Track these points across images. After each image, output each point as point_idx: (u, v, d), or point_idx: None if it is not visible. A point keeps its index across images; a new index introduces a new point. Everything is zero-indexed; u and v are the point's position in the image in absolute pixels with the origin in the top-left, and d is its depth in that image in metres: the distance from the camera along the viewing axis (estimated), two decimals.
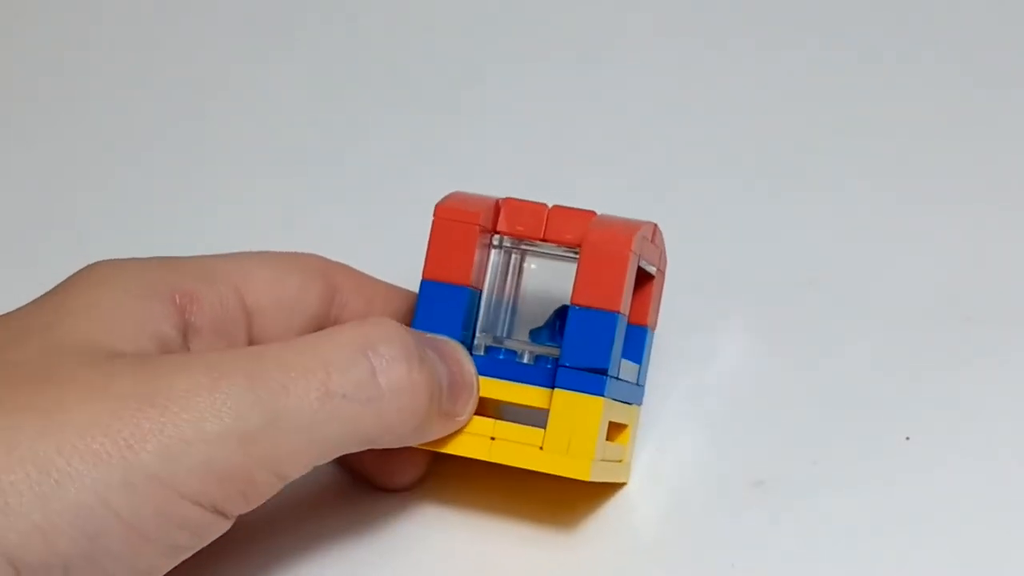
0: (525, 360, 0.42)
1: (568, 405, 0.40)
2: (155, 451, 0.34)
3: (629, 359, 0.42)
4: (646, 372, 0.44)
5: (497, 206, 0.42)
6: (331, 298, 0.42)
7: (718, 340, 0.47)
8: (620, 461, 0.43)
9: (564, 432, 0.39)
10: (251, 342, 0.41)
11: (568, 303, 0.40)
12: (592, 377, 0.39)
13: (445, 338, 0.40)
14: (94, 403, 0.35)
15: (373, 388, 0.37)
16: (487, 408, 0.41)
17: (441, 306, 0.41)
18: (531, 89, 0.57)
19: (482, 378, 0.41)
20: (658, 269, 0.43)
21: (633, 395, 0.43)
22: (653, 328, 0.44)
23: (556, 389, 0.40)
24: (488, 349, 0.42)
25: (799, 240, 0.50)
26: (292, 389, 0.36)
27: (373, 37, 0.60)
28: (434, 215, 0.41)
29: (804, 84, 0.56)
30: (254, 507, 0.36)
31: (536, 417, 0.40)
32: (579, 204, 0.43)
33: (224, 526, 0.36)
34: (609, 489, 0.43)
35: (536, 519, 0.43)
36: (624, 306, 0.40)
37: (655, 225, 0.42)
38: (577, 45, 0.59)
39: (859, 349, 0.47)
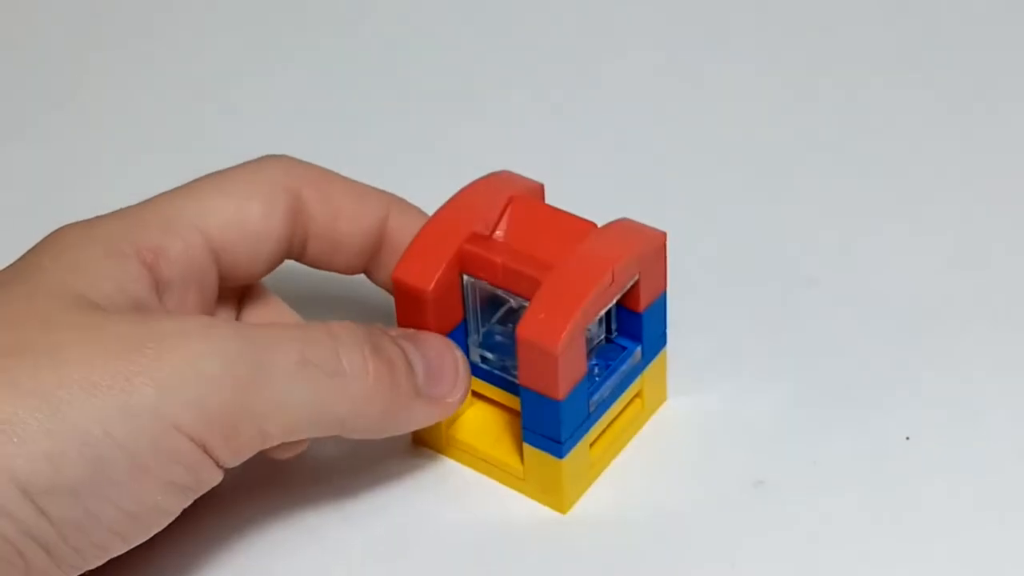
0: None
1: (536, 459, 0.42)
2: (152, 385, 0.36)
3: (626, 341, 0.43)
4: (662, 333, 0.44)
5: (460, 253, 0.41)
6: (295, 218, 0.42)
7: (718, 340, 0.47)
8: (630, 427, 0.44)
9: (537, 478, 0.42)
10: (221, 278, 0.42)
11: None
12: (551, 443, 0.41)
13: (427, 332, 0.41)
14: (91, 344, 0.36)
15: (337, 364, 0.38)
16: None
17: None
18: (530, 88, 0.57)
19: (480, 381, 0.43)
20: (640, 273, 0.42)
21: (633, 373, 0.43)
22: (643, 309, 0.43)
23: (524, 444, 0.41)
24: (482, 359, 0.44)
25: (799, 240, 0.50)
26: (275, 348, 0.38)
27: (372, 36, 0.60)
28: (392, 279, 0.41)
29: (804, 84, 0.56)
30: (236, 463, 0.38)
31: None
32: (578, 204, 0.43)
33: (213, 475, 0.37)
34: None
35: (527, 512, 0.43)
36: (564, 391, 0.40)
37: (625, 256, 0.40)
38: (575, 44, 0.59)
39: (859, 349, 0.47)
